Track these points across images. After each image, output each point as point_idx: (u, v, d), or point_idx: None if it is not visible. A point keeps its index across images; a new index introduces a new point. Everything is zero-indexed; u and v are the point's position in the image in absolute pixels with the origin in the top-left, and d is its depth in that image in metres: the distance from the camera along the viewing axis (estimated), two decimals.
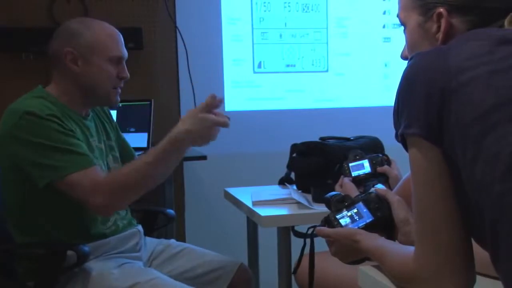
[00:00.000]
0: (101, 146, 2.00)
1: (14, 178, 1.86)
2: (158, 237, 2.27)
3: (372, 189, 1.40)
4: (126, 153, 2.15)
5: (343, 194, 1.42)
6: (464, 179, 0.97)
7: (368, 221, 1.33)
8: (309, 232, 1.43)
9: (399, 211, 1.31)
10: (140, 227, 2.09)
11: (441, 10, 1.09)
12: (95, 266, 1.86)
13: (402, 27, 1.20)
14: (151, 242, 2.15)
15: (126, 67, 1.98)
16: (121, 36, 1.97)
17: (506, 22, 1.07)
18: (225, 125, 1.84)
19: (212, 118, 1.81)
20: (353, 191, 1.91)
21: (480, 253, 1.01)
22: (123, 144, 2.16)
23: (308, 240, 1.45)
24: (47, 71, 3.17)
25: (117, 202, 1.84)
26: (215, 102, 1.82)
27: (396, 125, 1.06)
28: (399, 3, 1.20)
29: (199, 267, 2.09)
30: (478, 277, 1.05)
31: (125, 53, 1.97)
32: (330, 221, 1.35)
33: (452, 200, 1.00)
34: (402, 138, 1.05)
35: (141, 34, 3.26)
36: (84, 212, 1.85)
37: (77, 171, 1.77)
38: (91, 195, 1.76)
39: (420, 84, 1.00)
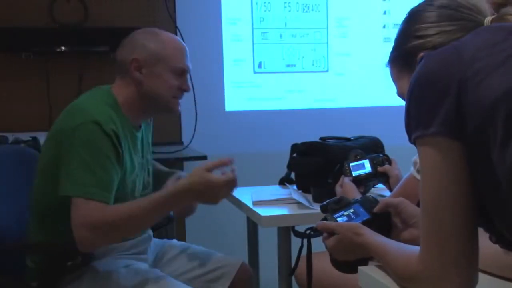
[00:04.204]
0: (142, 161, 1.98)
1: (51, 176, 1.80)
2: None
3: (370, 195, 1.44)
4: None
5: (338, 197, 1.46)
6: (495, 163, 0.94)
7: (364, 218, 1.34)
8: (307, 232, 1.44)
9: (408, 208, 1.33)
10: (151, 232, 2.09)
11: (422, 54, 1.11)
12: (102, 265, 1.86)
13: None
14: (156, 244, 2.16)
15: (188, 81, 2.00)
16: (187, 50, 2.00)
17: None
18: (231, 184, 1.82)
19: (216, 181, 1.79)
20: (354, 191, 1.91)
21: (483, 248, 1.01)
22: None
23: (306, 241, 1.46)
24: (47, 71, 3.21)
25: (102, 242, 1.78)
26: (226, 163, 1.84)
27: (409, 128, 1.04)
28: (393, 80, 1.24)
29: (201, 267, 2.09)
30: (481, 275, 1.05)
31: (189, 66, 2.00)
32: (327, 220, 1.37)
33: (464, 202, 0.99)
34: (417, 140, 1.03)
35: None
36: None
37: (85, 197, 1.71)
38: (79, 226, 1.70)
39: (435, 82, 1.00)
